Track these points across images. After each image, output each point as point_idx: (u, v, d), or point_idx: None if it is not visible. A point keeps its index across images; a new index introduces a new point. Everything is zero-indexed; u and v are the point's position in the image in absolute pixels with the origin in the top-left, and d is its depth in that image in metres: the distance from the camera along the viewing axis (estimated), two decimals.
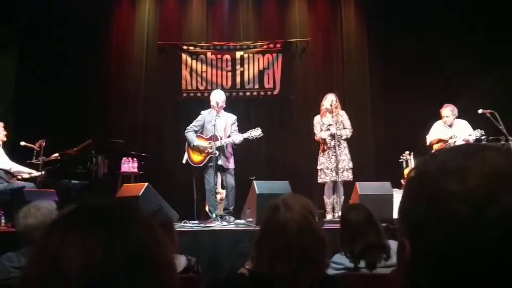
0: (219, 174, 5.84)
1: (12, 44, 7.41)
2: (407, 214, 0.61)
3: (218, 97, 5.80)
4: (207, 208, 5.84)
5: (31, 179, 5.67)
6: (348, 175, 5.79)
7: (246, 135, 5.64)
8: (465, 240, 0.53)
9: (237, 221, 5.44)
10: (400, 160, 6.16)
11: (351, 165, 5.84)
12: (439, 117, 5.96)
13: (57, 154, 5.77)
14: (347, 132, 5.83)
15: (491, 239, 0.53)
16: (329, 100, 5.85)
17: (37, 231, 2.31)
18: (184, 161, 5.81)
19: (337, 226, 4.46)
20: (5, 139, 5.64)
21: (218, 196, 5.97)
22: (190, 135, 5.79)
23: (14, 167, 5.57)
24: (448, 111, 5.84)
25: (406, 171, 6.05)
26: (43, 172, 5.55)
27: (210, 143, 5.61)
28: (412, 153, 6.02)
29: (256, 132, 5.62)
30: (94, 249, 0.61)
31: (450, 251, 0.54)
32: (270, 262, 1.41)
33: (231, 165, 5.72)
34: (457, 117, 5.89)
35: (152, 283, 0.63)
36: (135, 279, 0.62)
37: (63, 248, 0.62)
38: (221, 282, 1.67)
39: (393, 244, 2.51)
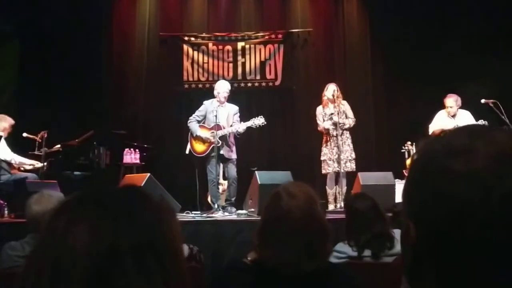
0: (221, 165, 5.84)
1: (14, 39, 7.41)
2: (411, 195, 0.60)
3: (222, 87, 5.77)
4: (209, 199, 5.85)
5: (33, 170, 5.68)
6: (351, 166, 5.79)
7: (249, 123, 5.62)
8: (471, 220, 0.53)
9: (239, 211, 5.45)
10: (402, 151, 6.15)
11: (353, 155, 5.84)
12: (442, 106, 5.93)
13: (59, 146, 5.78)
14: (350, 122, 5.82)
15: (497, 220, 0.52)
16: (331, 90, 5.83)
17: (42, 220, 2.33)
18: (187, 152, 5.81)
19: (339, 216, 4.49)
20: (10, 130, 5.63)
21: (220, 188, 5.97)
22: (193, 125, 5.78)
23: (16, 158, 5.58)
24: (452, 101, 5.79)
25: (408, 162, 6.04)
26: (45, 164, 5.55)
27: (212, 132, 5.61)
28: (414, 143, 6.01)
29: (259, 121, 5.60)
30: (101, 231, 0.62)
31: (454, 232, 0.53)
32: (274, 249, 1.41)
33: (233, 155, 5.72)
34: (460, 108, 5.86)
35: (159, 268, 0.63)
36: (143, 263, 0.61)
37: (71, 229, 0.62)
38: (225, 270, 1.66)
39: (397, 233, 2.51)
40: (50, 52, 7.07)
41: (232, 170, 5.69)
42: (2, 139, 5.49)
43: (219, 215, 5.26)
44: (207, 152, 5.67)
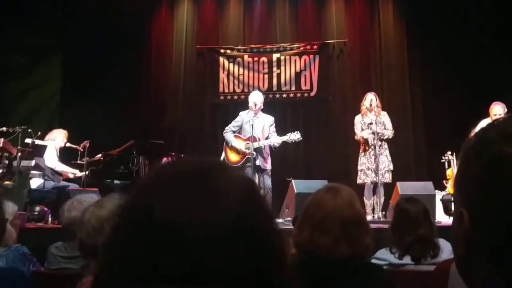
0: (256, 175, 5.85)
1: (57, 53, 7.74)
2: (465, 182, 0.59)
3: (256, 98, 5.84)
4: None
5: (75, 179, 5.87)
6: (388, 177, 5.70)
7: (285, 138, 5.65)
8: None
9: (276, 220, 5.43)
10: (442, 161, 5.99)
11: (391, 167, 5.74)
12: (486, 115, 5.73)
13: (100, 155, 5.95)
14: (389, 133, 5.75)
15: None
16: (369, 99, 5.79)
17: (79, 224, 2.40)
18: None
19: (378, 226, 4.41)
20: (62, 145, 5.92)
21: None
22: (228, 135, 5.86)
23: (59, 166, 5.81)
24: (500, 108, 5.53)
25: (449, 172, 5.89)
26: (87, 172, 5.72)
27: (247, 144, 5.65)
28: (454, 153, 5.84)
29: (295, 136, 5.62)
30: (190, 208, 0.53)
31: None
32: (310, 232, 1.44)
33: (268, 165, 5.75)
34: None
35: (263, 249, 0.54)
36: (244, 247, 0.52)
37: (158, 203, 0.53)
38: None
39: (442, 242, 2.45)
40: (91, 65, 7.32)
41: (267, 180, 5.70)
42: (52, 148, 5.74)
43: None
44: (241, 163, 5.71)
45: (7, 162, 5.16)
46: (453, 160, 5.83)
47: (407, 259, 2.40)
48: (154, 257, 0.50)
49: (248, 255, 0.52)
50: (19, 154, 5.12)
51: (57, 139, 5.88)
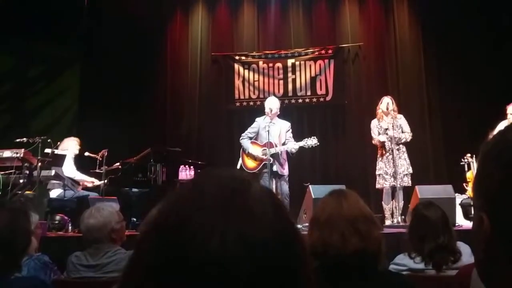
0: (273, 181, 5.85)
1: (75, 63, 7.89)
2: (484, 186, 0.58)
3: (271, 103, 5.85)
4: None
5: (94, 188, 5.94)
6: (407, 181, 5.63)
7: (301, 143, 5.64)
8: None
9: None
10: (461, 163, 5.90)
11: (410, 170, 5.66)
12: (505, 116, 5.64)
13: (118, 163, 6.01)
14: (406, 136, 5.68)
15: None
16: (385, 103, 5.74)
17: (97, 231, 2.43)
18: (238, 167, 5.89)
19: (397, 230, 4.36)
20: (77, 152, 6.01)
21: None
22: (245, 142, 5.87)
23: (77, 176, 5.89)
24: None
25: (468, 174, 5.79)
26: (105, 181, 5.78)
27: (264, 149, 5.65)
28: (474, 156, 5.75)
29: (312, 141, 5.61)
30: (225, 226, 0.51)
31: None
32: (319, 232, 1.45)
33: (285, 171, 5.74)
34: None
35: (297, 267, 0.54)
36: (278, 261, 0.52)
37: (192, 221, 0.52)
38: None
39: (461, 246, 2.41)
40: (108, 74, 7.44)
41: (284, 186, 5.69)
42: (69, 158, 5.82)
43: None
44: (258, 169, 5.72)
45: (27, 172, 5.24)
46: (472, 162, 5.74)
47: (427, 264, 2.36)
48: (186, 269, 0.49)
49: (280, 269, 0.51)
50: (39, 164, 5.20)
51: (70, 148, 5.92)
